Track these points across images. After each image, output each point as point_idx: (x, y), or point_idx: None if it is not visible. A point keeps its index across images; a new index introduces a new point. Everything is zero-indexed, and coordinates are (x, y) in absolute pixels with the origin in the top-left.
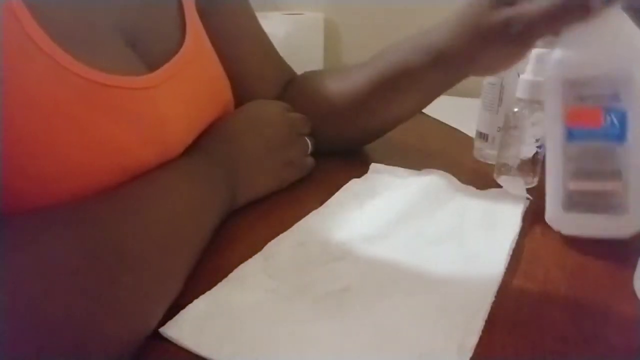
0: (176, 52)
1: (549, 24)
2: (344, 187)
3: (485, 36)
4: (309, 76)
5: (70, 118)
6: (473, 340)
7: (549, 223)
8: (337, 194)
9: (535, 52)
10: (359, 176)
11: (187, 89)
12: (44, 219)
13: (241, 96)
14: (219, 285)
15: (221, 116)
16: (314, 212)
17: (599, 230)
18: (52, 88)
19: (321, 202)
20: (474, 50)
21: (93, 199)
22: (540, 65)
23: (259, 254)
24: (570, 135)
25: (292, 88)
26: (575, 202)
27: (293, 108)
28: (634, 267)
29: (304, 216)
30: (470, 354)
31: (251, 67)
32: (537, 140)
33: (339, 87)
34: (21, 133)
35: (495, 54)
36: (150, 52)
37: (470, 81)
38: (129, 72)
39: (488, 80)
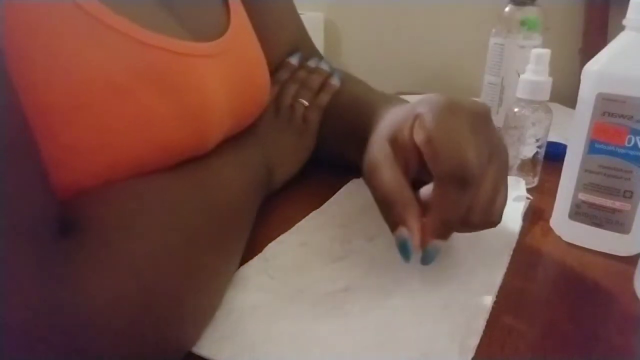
0: (221, 34)
1: None
2: (344, 187)
3: None
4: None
5: (108, 83)
6: (474, 340)
7: (552, 228)
8: (337, 194)
9: (535, 52)
10: (359, 176)
11: (229, 69)
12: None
13: None
14: None
15: (257, 99)
16: (315, 212)
17: (598, 245)
18: (90, 49)
19: (321, 202)
20: None
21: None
22: (540, 66)
23: (260, 255)
24: (592, 147)
25: None
26: (581, 212)
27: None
28: (634, 267)
29: (305, 216)
30: (472, 355)
31: (273, 58)
32: (537, 140)
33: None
34: (55, 98)
35: None
36: (195, 30)
37: (471, 81)
38: (173, 36)
39: (488, 80)
